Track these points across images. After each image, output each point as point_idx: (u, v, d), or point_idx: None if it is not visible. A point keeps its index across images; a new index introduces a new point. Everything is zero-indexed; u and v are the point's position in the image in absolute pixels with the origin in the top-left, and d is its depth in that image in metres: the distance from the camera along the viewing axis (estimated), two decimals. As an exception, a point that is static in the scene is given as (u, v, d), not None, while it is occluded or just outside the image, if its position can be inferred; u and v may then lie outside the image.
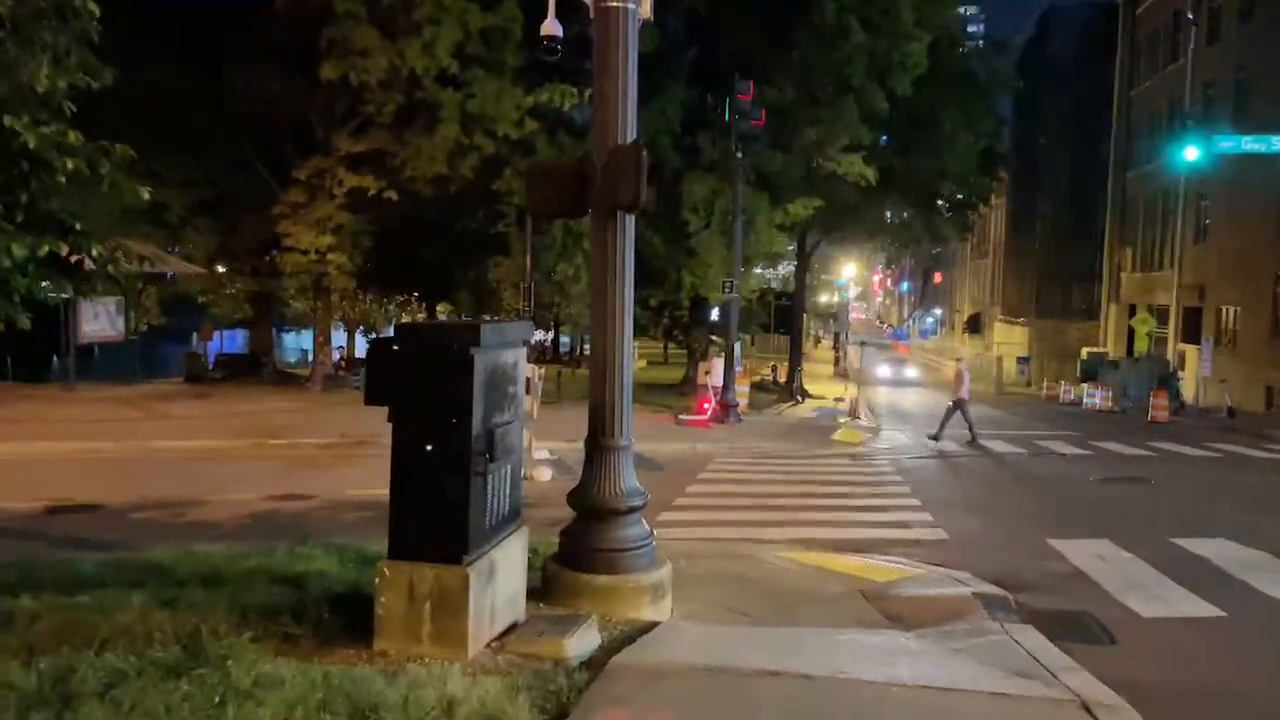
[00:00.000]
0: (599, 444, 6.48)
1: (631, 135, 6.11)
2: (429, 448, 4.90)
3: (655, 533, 9.96)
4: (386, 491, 5.02)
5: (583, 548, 6.36)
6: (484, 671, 4.84)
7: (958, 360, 23.62)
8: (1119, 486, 14.09)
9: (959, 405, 19.80)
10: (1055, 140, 51.94)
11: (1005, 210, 61.15)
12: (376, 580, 4.98)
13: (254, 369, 29.87)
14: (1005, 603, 7.05)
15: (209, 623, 5.11)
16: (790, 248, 35.28)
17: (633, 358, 6.57)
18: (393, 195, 25.00)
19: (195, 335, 32.39)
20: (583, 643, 5.32)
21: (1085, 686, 5.05)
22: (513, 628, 5.45)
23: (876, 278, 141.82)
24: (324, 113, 25.72)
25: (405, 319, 50.27)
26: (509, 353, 5.40)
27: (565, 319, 24.28)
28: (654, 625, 6.09)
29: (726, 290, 22.35)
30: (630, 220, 6.28)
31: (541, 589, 6.44)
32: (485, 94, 22.68)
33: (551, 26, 9.94)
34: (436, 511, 4.92)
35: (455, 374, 4.85)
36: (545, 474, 13.52)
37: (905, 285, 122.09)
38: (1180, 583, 7.89)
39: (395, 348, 4.97)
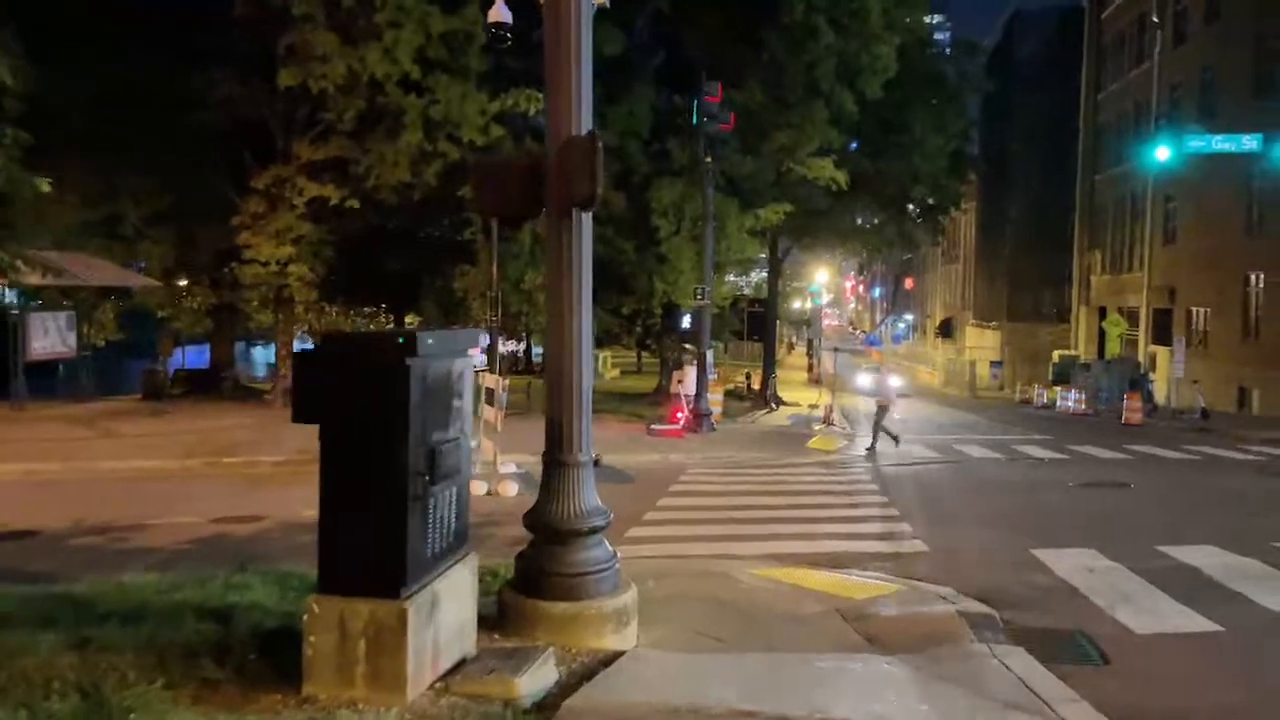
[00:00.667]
0: (556, 460, 6.02)
1: (586, 126, 5.66)
2: (360, 469, 4.42)
3: (623, 550, 9.52)
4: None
5: (540, 573, 5.90)
6: (425, 717, 4.36)
7: (879, 366, 23.13)
8: (1100, 492, 13.78)
9: (882, 411, 19.24)
10: (1024, 145, 52.07)
11: (975, 215, 61.30)
12: (304, 618, 4.49)
13: (215, 384, 29.14)
14: (992, 621, 6.65)
15: (120, 667, 4.60)
16: (762, 255, 35.03)
17: (592, 366, 6.11)
18: (354, 204, 24.43)
19: (156, 350, 31.53)
20: (536, 680, 4.85)
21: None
22: (461, 664, 4.97)
23: (849, 284, 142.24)
24: (284, 120, 25.14)
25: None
26: (453, 363, 4.92)
27: (535, 328, 23.74)
28: (617, 655, 5.63)
29: (698, 297, 21.95)
30: (586, 219, 5.83)
31: (497, 618, 5.97)
32: (449, 99, 22.18)
33: (499, 12, 9.47)
34: (369, 540, 4.44)
35: (388, 387, 4.38)
36: (511, 489, 13.03)
37: (878, 291, 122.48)
38: (1172, 595, 7.52)
39: (323, 359, 4.48)
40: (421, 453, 4.52)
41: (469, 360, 5.17)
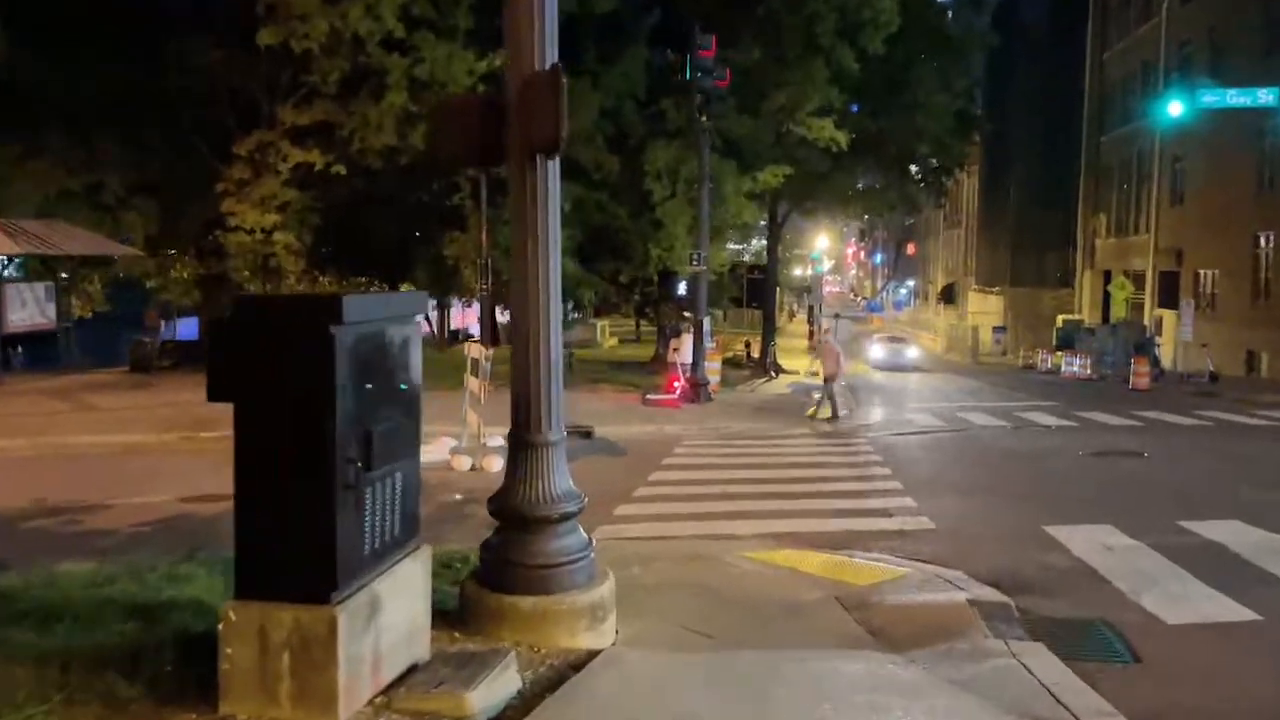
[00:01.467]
0: (523, 439, 5.40)
1: (550, 59, 4.98)
2: (280, 456, 3.80)
3: (610, 530, 8.97)
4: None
5: (506, 564, 5.30)
6: (359, 741, 3.78)
7: (825, 332, 21.95)
8: (1112, 461, 13.18)
9: (829, 381, 18.15)
10: (1028, 107, 50.98)
11: (978, 179, 60.31)
12: (220, 626, 3.89)
13: (203, 356, 28.42)
14: (1006, 611, 6.06)
15: (15, 682, 4.01)
16: (762, 222, 34.27)
17: (561, 333, 5.47)
18: (340, 170, 23.70)
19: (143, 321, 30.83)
20: (494, 692, 4.26)
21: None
22: (410, 672, 4.37)
23: (850, 250, 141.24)
24: (267, 84, 24.35)
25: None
26: (395, 330, 4.29)
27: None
28: (592, 656, 5.04)
29: (694, 262, 21.25)
30: (553, 166, 5.17)
31: (460, 613, 5.39)
32: (434, 59, 21.37)
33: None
34: (292, 537, 3.83)
35: (310, 359, 3.75)
36: (496, 463, 12.40)
37: (879, 257, 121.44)
38: (1201, 578, 6.92)
39: (235, 328, 3.86)
40: (354, 435, 3.90)
41: (415, 327, 4.54)
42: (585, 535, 5.57)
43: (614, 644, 5.35)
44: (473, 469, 12.32)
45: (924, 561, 7.50)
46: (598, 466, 12.82)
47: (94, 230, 26.55)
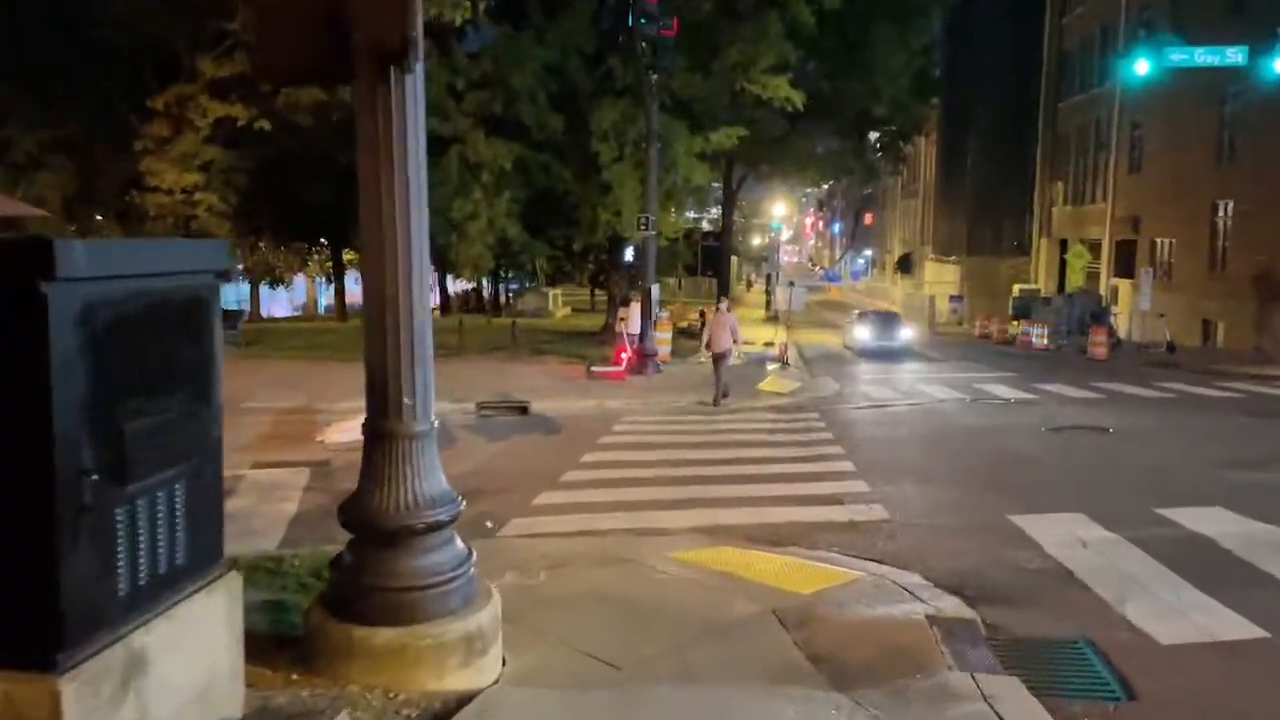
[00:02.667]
0: (380, 429, 4.34)
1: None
2: (-30, 468, 2.70)
3: (526, 524, 7.62)
4: None
5: (358, 587, 4.25)
6: None
7: (717, 307, 17.97)
8: (1076, 438, 12.37)
9: (719, 360, 15.68)
10: (987, 74, 50.22)
11: (936, 148, 59.70)
12: (-100, 705, 2.79)
13: None
14: (972, 630, 5.12)
15: None
16: (716, 185, 33.22)
17: (428, 294, 4.41)
18: (265, 125, 22.28)
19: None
20: (308, 773, 3.22)
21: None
22: (205, 742, 3.32)
23: (809, 220, 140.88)
24: (190, 37, 22.74)
25: (311, 269, 46.80)
26: (173, 290, 3.18)
27: (465, 262, 21.80)
28: (464, 702, 4.03)
29: (642, 226, 20.15)
30: (413, 84, 4.07)
31: (302, 649, 4.33)
32: (363, 6, 19.95)
33: None
34: (-6, 582, 2.74)
35: (8, 328, 2.64)
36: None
37: (837, 227, 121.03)
38: (1192, 581, 6.05)
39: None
40: (91, 435, 2.80)
41: (211, 288, 3.43)
42: (463, 547, 4.53)
43: (497, 681, 4.34)
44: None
45: (877, 561, 6.57)
46: (528, 447, 11.78)
47: (3, 192, 24.86)
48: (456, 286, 51.52)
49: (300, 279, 55.59)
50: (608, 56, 23.22)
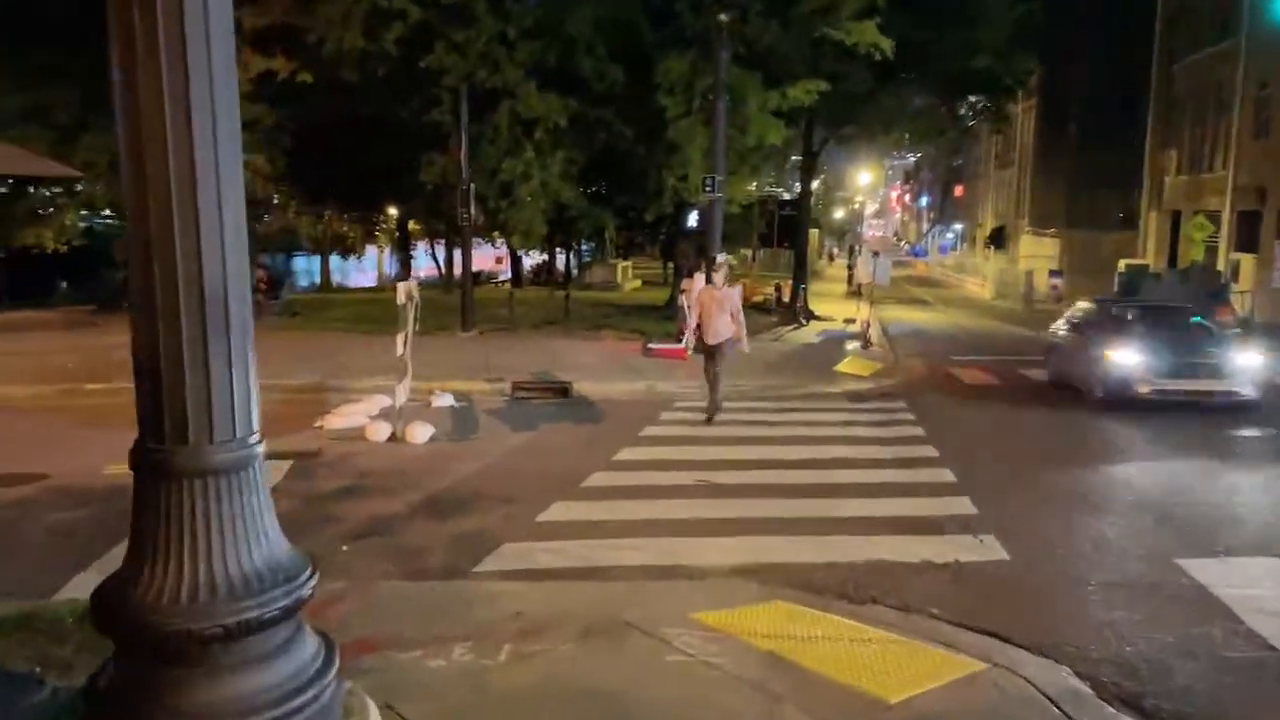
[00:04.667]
0: (158, 465, 2.49)
1: None
2: None
3: (519, 551, 5.80)
4: None
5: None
6: None
7: (708, 271, 12.88)
8: (1241, 444, 10.00)
9: (714, 356, 11.32)
10: (1090, 35, 46.53)
11: (1034, 114, 56.04)
12: None
13: None
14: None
15: None
16: (794, 156, 30.81)
17: (246, 264, 2.54)
18: (308, 78, 20.74)
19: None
20: None
21: None
22: None
23: (895, 194, 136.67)
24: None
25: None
26: None
27: (517, 228, 19.95)
28: None
29: (707, 188, 18.09)
30: None
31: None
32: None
33: None
34: None
35: None
36: (420, 434, 9.56)
37: (924, 200, 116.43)
38: None
39: None
40: None
41: None
42: (312, 651, 2.68)
43: None
44: (392, 439, 9.49)
45: (997, 636, 4.53)
46: (556, 438, 9.95)
47: (52, 153, 23.92)
48: (530, 260, 49.97)
49: (371, 250, 54.82)
50: (675, 3, 21.11)
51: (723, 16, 17.14)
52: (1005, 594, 5.22)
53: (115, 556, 5.50)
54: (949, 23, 22.12)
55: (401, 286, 10.00)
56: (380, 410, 10.37)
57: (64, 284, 25.46)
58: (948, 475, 8.16)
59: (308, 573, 2.67)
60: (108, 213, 31.02)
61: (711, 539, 6.19)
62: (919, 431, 10.31)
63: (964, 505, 7.10)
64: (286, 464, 8.30)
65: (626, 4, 20.74)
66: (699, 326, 11.58)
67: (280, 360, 14.91)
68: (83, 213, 29.29)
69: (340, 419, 10.05)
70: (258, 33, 20.61)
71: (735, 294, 11.90)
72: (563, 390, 12.83)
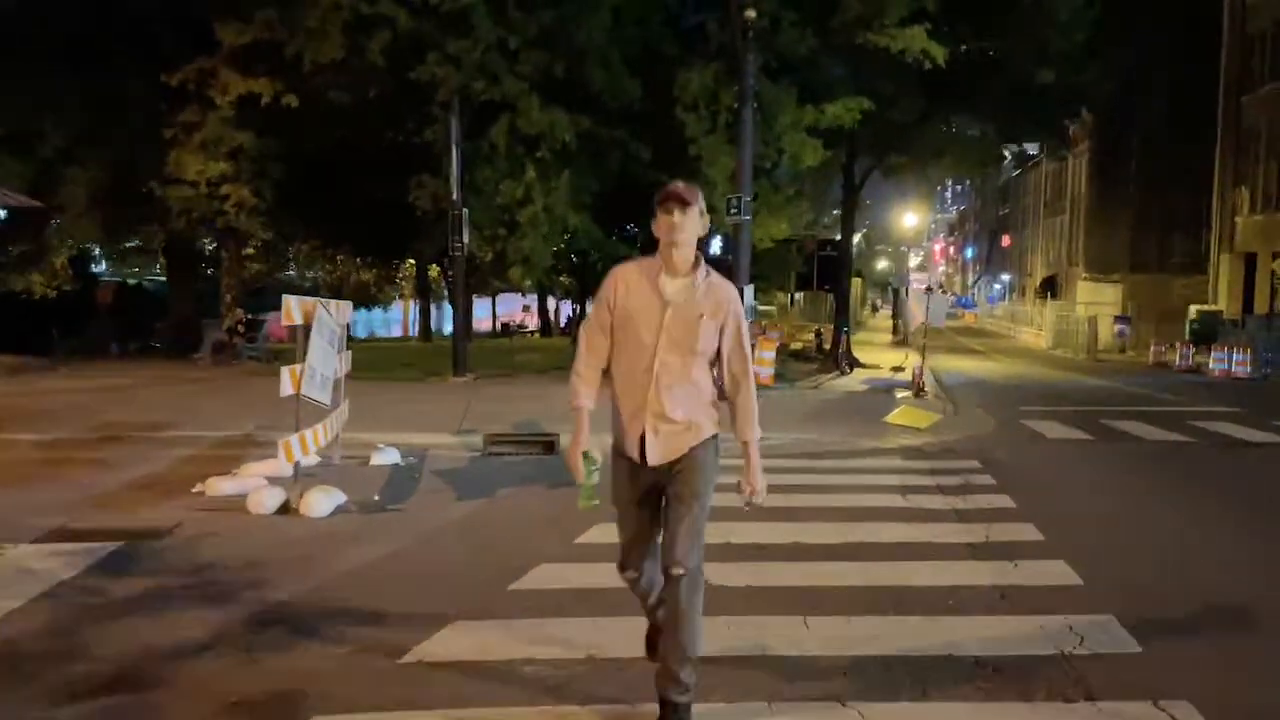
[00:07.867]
0: None
1: None
2: None
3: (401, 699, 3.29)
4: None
5: None
6: None
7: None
8: None
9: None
10: (1151, 66, 43.83)
11: (1089, 154, 53.28)
12: None
13: (193, 340, 22.76)
14: None
15: None
16: (835, 191, 28.39)
17: None
18: (292, 101, 18.78)
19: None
20: None
21: None
22: None
23: (938, 246, 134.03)
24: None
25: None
26: None
27: (514, 259, 17.49)
28: None
29: (732, 210, 15.69)
30: None
31: None
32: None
33: None
34: None
35: None
36: (320, 505, 6.97)
37: (970, 251, 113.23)
38: None
39: None
40: None
41: None
42: None
43: None
44: (284, 510, 6.98)
45: None
46: (510, 510, 7.41)
47: (31, 188, 22.14)
48: (560, 308, 47.80)
49: (397, 302, 53.03)
50: (698, 11, 18.96)
51: (750, 13, 14.86)
52: None
53: None
54: (1014, 27, 19.43)
55: (293, 301, 7.46)
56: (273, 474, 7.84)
57: (54, 332, 23.49)
58: (1061, 567, 5.46)
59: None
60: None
61: (703, 705, 3.58)
62: (1007, 502, 7.60)
63: (1107, 631, 4.41)
64: (109, 548, 5.85)
65: (648, 8, 18.61)
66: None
67: (223, 408, 12.69)
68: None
69: (229, 482, 7.57)
70: (240, 51, 18.75)
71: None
72: (548, 444, 10.30)
